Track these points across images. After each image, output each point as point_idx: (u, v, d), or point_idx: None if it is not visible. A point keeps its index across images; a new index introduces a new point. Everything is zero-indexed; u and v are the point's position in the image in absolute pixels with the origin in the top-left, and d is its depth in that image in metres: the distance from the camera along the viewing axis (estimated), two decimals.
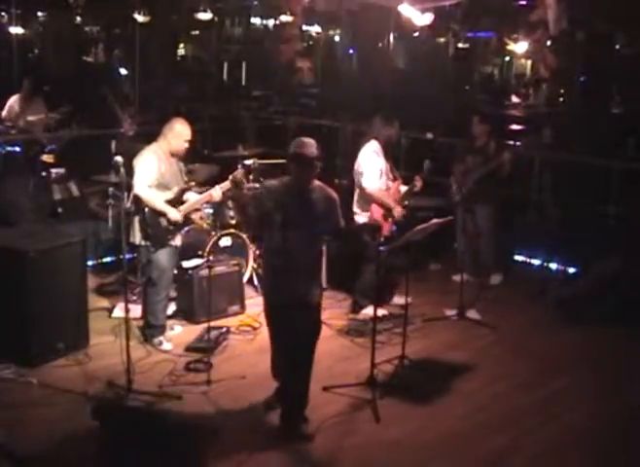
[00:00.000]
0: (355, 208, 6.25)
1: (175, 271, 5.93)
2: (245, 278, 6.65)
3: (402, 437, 4.49)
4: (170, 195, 5.43)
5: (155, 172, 5.31)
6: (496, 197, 7.16)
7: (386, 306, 6.41)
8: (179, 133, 5.41)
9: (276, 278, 4.40)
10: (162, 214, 5.37)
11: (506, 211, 7.49)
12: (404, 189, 6.34)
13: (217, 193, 5.59)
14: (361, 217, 6.23)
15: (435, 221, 5.60)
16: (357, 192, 6.27)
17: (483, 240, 7.17)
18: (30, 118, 9.19)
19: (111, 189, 7.04)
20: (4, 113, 9.18)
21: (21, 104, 9.06)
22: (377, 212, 6.16)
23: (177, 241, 5.55)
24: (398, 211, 6.16)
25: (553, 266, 7.74)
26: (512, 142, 8.03)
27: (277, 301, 4.43)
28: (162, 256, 5.44)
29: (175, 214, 5.40)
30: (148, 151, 5.38)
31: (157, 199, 5.34)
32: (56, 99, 9.68)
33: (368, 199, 6.18)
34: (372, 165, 6.12)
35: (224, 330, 5.83)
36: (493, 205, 7.15)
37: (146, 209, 5.31)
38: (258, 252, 6.84)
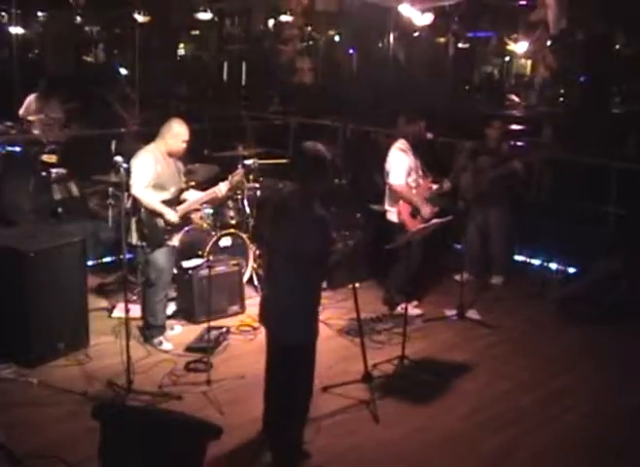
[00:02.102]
0: (386, 206, 6.35)
1: (175, 271, 5.93)
2: (245, 278, 6.65)
3: (402, 437, 4.50)
4: (167, 195, 5.41)
5: (151, 173, 5.30)
6: (509, 200, 7.23)
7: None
8: (177, 134, 5.39)
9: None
10: (159, 215, 5.37)
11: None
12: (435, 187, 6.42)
13: (221, 191, 5.58)
14: (392, 214, 6.29)
15: (434, 221, 5.61)
16: (387, 189, 6.34)
17: (495, 241, 7.23)
18: (30, 117, 9.23)
19: (111, 189, 7.04)
20: (21, 111, 9.28)
21: (38, 103, 9.18)
22: (405, 210, 6.20)
23: (174, 241, 5.55)
24: (426, 210, 6.18)
25: (553, 266, 7.74)
26: (511, 142, 8.04)
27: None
28: (160, 256, 5.43)
29: (172, 215, 5.38)
30: (145, 151, 5.37)
31: (153, 200, 5.32)
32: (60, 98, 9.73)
33: (396, 197, 6.24)
34: (398, 163, 6.18)
35: (224, 330, 5.83)
36: (506, 207, 7.20)
37: (142, 210, 5.31)
38: (258, 252, 6.85)
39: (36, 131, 9.05)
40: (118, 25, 16.94)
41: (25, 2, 14.22)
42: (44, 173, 8.39)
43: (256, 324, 6.04)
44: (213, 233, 6.52)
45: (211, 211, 6.72)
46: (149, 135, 5.69)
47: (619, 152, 9.41)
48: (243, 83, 16.43)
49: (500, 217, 7.21)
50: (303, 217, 3.85)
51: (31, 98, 9.40)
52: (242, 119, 9.56)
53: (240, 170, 5.97)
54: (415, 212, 6.21)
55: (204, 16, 11.32)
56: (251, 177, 7.22)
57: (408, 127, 6.28)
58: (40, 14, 17.29)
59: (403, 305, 5.83)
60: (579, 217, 7.79)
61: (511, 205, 7.29)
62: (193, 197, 5.60)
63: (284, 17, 10.57)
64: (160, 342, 5.57)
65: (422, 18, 7.52)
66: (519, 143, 8.45)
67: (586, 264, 7.13)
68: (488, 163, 7.07)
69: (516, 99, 16.50)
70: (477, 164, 7.13)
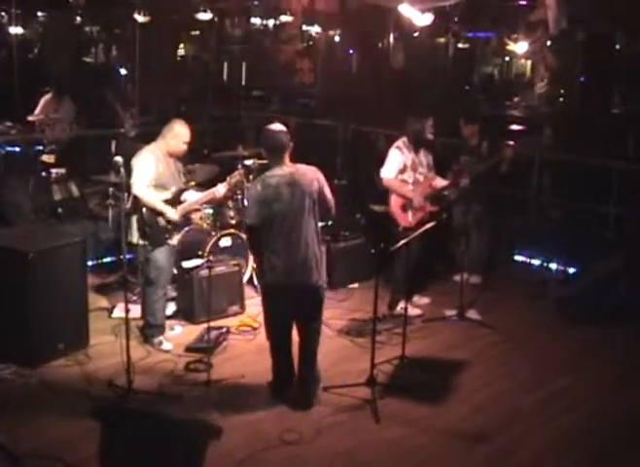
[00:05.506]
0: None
1: (175, 271, 5.93)
2: (245, 278, 6.65)
3: (402, 437, 4.50)
4: (168, 195, 5.43)
5: (152, 172, 5.32)
6: (489, 198, 7.17)
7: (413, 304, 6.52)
8: (178, 134, 5.42)
9: None
10: (160, 213, 5.38)
11: (504, 211, 7.50)
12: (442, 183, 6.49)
13: (220, 192, 5.59)
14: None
15: (429, 224, 5.62)
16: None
17: (474, 240, 7.18)
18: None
19: (111, 189, 7.04)
20: (37, 111, 9.24)
21: (53, 103, 9.16)
22: (396, 203, 6.27)
23: (174, 241, 5.55)
24: (417, 200, 6.25)
25: (553, 266, 7.74)
26: (512, 142, 8.03)
27: None
28: (160, 255, 5.44)
29: (172, 214, 5.40)
30: (146, 151, 5.40)
31: (154, 199, 5.35)
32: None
33: (389, 191, 6.31)
34: (392, 159, 6.28)
35: (224, 330, 5.83)
36: (486, 205, 7.16)
37: (144, 209, 5.32)
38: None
39: (45, 132, 8.99)
40: (118, 25, 16.91)
41: (25, 2, 14.21)
42: (44, 173, 8.38)
43: (256, 324, 6.05)
44: (213, 233, 6.52)
45: (211, 211, 6.72)
46: (147, 136, 5.71)
47: (619, 152, 9.40)
48: (243, 83, 16.42)
49: (479, 215, 7.13)
50: (301, 175, 4.55)
51: (47, 99, 9.35)
52: (242, 119, 9.58)
53: (239, 171, 5.97)
54: (407, 206, 6.25)
55: (204, 16, 11.31)
56: (251, 177, 7.22)
57: (411, 126, 6.32)
58: (40, 14, 17.27)
59: (403, 305, 5.83)
60: (579, 217, 7.78)
61: (492, 205, 7.21)
62: (192, 197, 5.61)
63: (284, 18, 10.59)
64: (161, 342, 5.57)
65: (422, 18, 7.51)
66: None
67: (586, 264, 7.13)
68: (468, 162, 6.94)
69: (517, 99, 16.48)
70: (458, 164, 7.01)
